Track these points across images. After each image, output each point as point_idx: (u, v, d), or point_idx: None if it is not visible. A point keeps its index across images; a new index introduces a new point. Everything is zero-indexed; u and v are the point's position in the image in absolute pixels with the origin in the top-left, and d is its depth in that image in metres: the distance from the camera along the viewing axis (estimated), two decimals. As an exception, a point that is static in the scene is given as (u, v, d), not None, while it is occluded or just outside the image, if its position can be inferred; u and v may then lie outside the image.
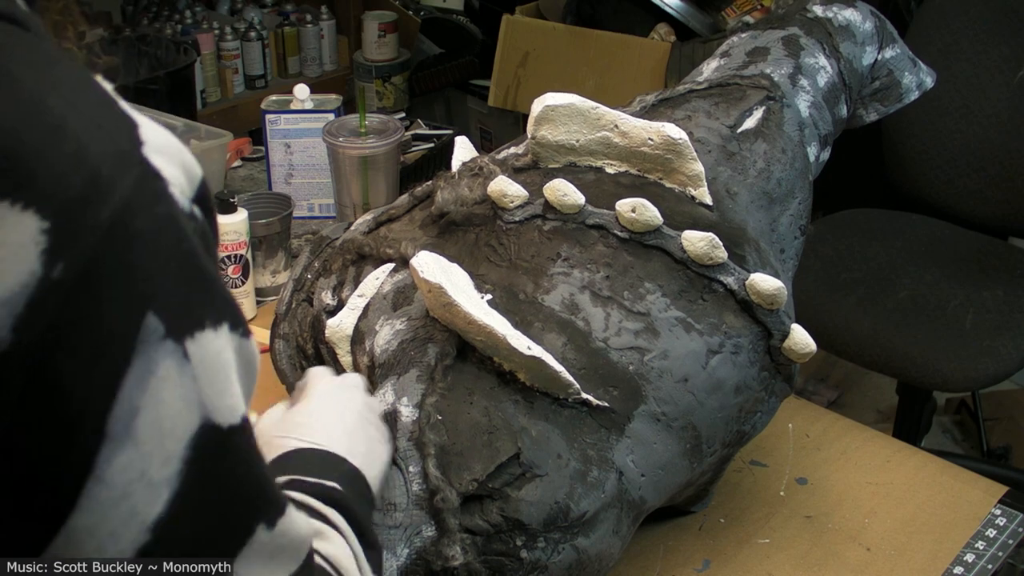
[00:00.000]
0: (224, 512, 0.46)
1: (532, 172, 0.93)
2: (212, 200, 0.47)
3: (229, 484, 0.46)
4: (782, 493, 1.04)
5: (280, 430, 0.73)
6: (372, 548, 0.65)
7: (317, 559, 0.57)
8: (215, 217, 0.48)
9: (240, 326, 0.48)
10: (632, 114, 0.96)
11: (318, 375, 0.81)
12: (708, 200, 0.90)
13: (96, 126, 0.42)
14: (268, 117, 1.54)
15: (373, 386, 0.86)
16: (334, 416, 0.74)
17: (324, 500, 0.64)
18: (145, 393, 0.41)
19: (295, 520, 0.51)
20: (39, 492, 0.40)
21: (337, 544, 0.60)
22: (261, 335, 1.15)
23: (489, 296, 0.85)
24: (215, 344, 0.45)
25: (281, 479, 0.65)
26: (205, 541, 0.45)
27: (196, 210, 0.46)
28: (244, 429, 0.47)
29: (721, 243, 0.86)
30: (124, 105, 0.44)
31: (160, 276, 0.42)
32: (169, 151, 0.44)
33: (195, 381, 0.43)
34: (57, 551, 0.41)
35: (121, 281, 0.41)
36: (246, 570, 0.47)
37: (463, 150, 1.02)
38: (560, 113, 0.89)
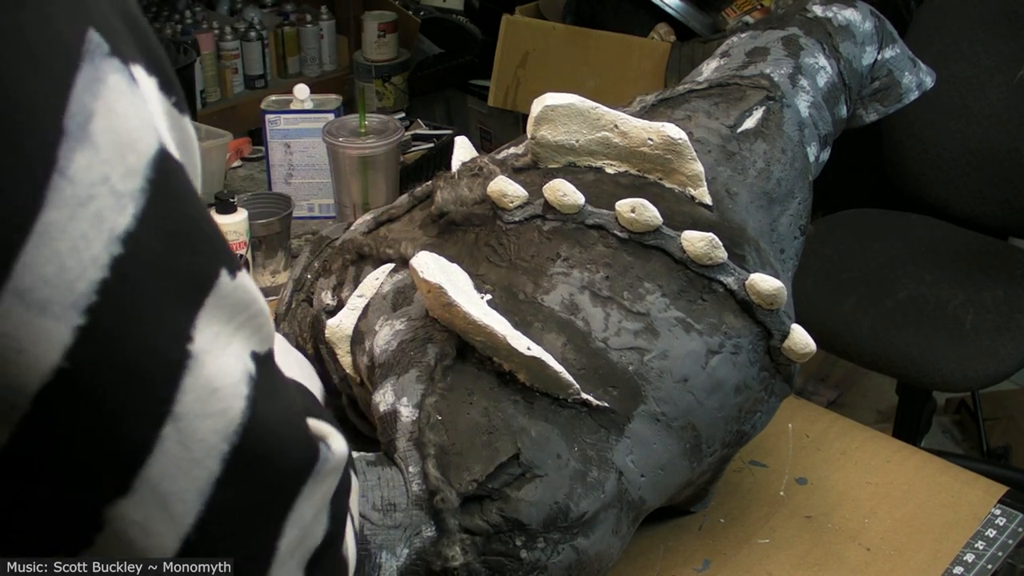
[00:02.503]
0: (191, 245, 0.46)
1: (532, 172, 0.93)
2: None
3: (191, 219, 0.47)
4: (782, 493, 1.05)
5: None
6: None
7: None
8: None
9: (174, 93, 0.49)
10: (632, 114, 0.96)
11: None
12: (708, 200, 0.90)
13: None
14: (268, 117, 1.54)
15: (372, 386, 0.86)
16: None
17: None
18: (97, 99, 0.43)
19: (255, 287, 0.51)
20: (13, 189, 0.41)
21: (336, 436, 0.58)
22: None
23: (489, 296, 0.85)
24: (147, 84, 0.46)
25: None
26: (176, 269, 0.45)
27: None
28: (189, 177, 0.48)
29: (721, 243, 0.86)
30: None
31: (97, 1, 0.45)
32: None
33: (144, 104, 0.45)
34: (36, 253, 0.41)
35: None
36: (207, 324, 0.47)
37: (463, 150, 1.02)
38: (560, 113, 0.89)
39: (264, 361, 0.50)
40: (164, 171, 0.45)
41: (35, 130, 0.41)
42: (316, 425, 0.55)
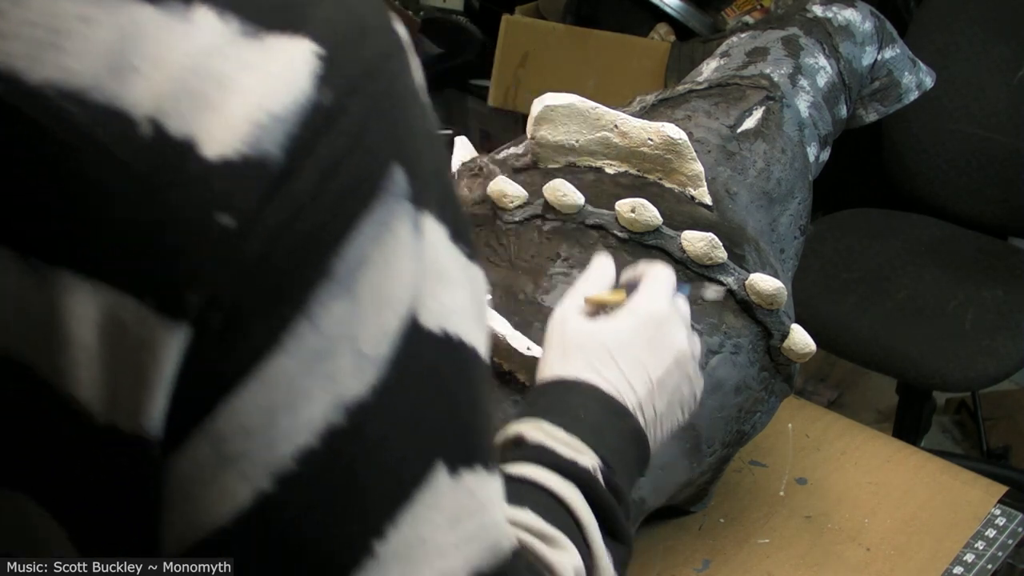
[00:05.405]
0: (415, 430, 0.40)
1: (532, 172, 0.93)
2: None
3: (422, 402, 0.40)
4: (782, 493, 1.04)
5: (575, 345, 0.64)
6: (620, 542, 0.56)
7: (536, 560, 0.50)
8: None
9: (467, 243, 0.43)
10: (632, 114, 0.96)
11: (660, 281, 0.68)
12: (708, 200, 0.90)
13: None
14: (268, 117, 1.54)
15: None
16: (646, 351, 0.64)
17: (571, 478, 0.55)
18: (378, 246, 0.38)
19: (492, 491, 0.44)
20: (250, 316, 0.36)
21: (565, 552, 0.52)
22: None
23: (489, 296, 0.85)
24: (434, 236, 0.41)
25: (532, 434, 0.57)
26: (389, 459, 0.39)
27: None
28: (452, 346, 0.41)
29: (721, 243, 0.86)
30: None
31: (411, 134, 0.40)
32: (412, 51, 0.42)
33: (419, 261, 0.39)
34: (249, 399, 0.37)
35: (378, 121, 0.39)
36: (411, 526, 0.40)
37: (463, 150, 1.02)
38: (560, 113, 0.89)
39: None
40: (414, 339, 0.39)
41: (298, 265, 0.37)
42: None
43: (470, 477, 0.42)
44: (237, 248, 0.36)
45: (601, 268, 0.72)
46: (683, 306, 0.70)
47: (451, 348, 0.41)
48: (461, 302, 0.42)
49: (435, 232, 0.41)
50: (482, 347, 0.44)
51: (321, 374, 0.37)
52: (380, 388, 0.38)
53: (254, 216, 0.36)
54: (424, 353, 0.40)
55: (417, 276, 0.40)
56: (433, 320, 0.40)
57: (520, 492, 0.53)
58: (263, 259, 0.36)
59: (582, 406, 0.60)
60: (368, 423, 0.38)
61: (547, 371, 0.64)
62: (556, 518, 0.53)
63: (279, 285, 0.36)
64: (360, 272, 0.38)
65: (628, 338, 0.64)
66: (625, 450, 0.60)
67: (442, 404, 0.41)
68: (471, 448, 0.43)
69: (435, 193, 0.41)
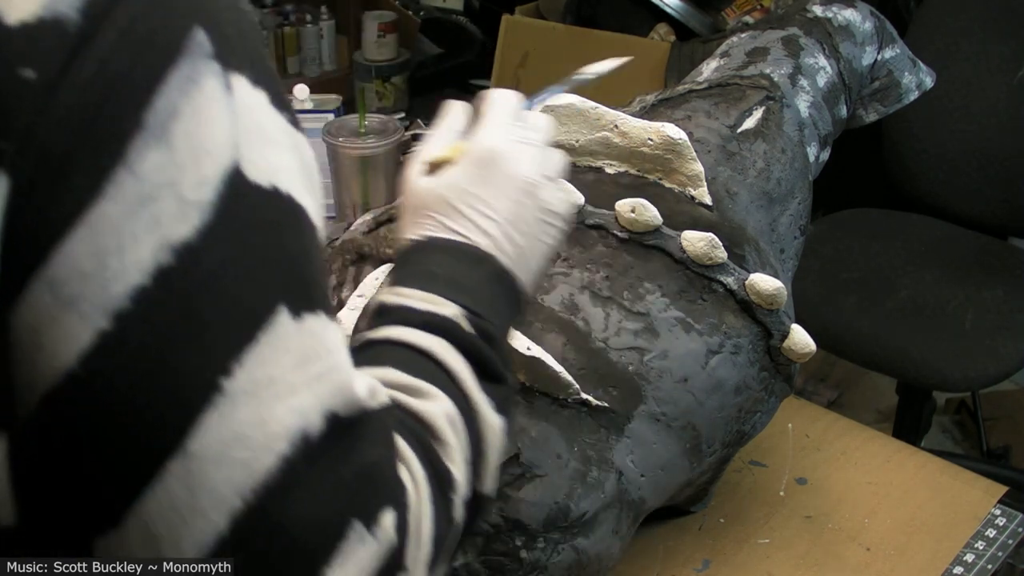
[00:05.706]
0: (250, 272, 0.43)
1: (532, 172, 0.93)
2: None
3: (254, 245, 0.43)
4: (782, 493, 1.04)
5: (420, 205, 0.63)
6: (498, 382, 0.56)
7: (405, 414, 0.51)
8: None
9: (287, 110, 0.47)
10: (632, 114, 0.96)
11: (496, 112, 0.65)
12: (708, 200, 0.90)
13: None
14: (268, 117, 1.53)
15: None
16: (487, 190, 0.62)
17: (433, 330, 0.55)
18: (187, 99, 0.41)
19: (336, 337, 0.46)
20: (69, 166, 0.40)
21: (433, 400, 0.52)
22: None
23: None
24: (251, 98, 0.44)
25: (390, 299, 0.57)
26: (225, 299, 0.42)
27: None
28: (282, 199, 0.44)
29: (721, 243, 0.86)
30: None
31: (211, 2, 0.44)
32: None
33: (234, 116, 0.43)
34: (79, 244, 0.40)
35: None
36: (258, 365, 0.42)
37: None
38: (560, 113, 0.89)
39: (346, 426, 0.44)
40: (239, 188, 0.42)
41: (110, 117, 0.40)
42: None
43: (313, 320, 0.45)
44: (45, 100, 0.39)
45: (447, 122, 0.68)
46: (533, 124, 0.66)
47: (281, 201, 0.44)
48: (288, 163, 0.45)
49: (251, 95, 0.44)
50: (313, 210, 0.46)
51: (145, 218, 0.40)
52: (206, 231, 0.41)
53: (58, 71, 0.40)
54: (252, 202, 0.43)
55: (234, 131, 0.43)
56: (260, 175, 0.43)
57: (382, 354, 0.54)
58: (72, 111, 0.40)
59: (436, 262, 0.60)
60: (198, 263, 0.41)
61: (401, 240, 0.63)
62: (422, 370, 0.53)
63: (93, 136, 0.40)
64: (172, 122, 0.41)
65: (466, 183, 0.62)
66: (491, 293, 0.59)
67: (277, 250, 0.44)
68: (310, 293, 0.45)
69: (245, 59, 0.44)
